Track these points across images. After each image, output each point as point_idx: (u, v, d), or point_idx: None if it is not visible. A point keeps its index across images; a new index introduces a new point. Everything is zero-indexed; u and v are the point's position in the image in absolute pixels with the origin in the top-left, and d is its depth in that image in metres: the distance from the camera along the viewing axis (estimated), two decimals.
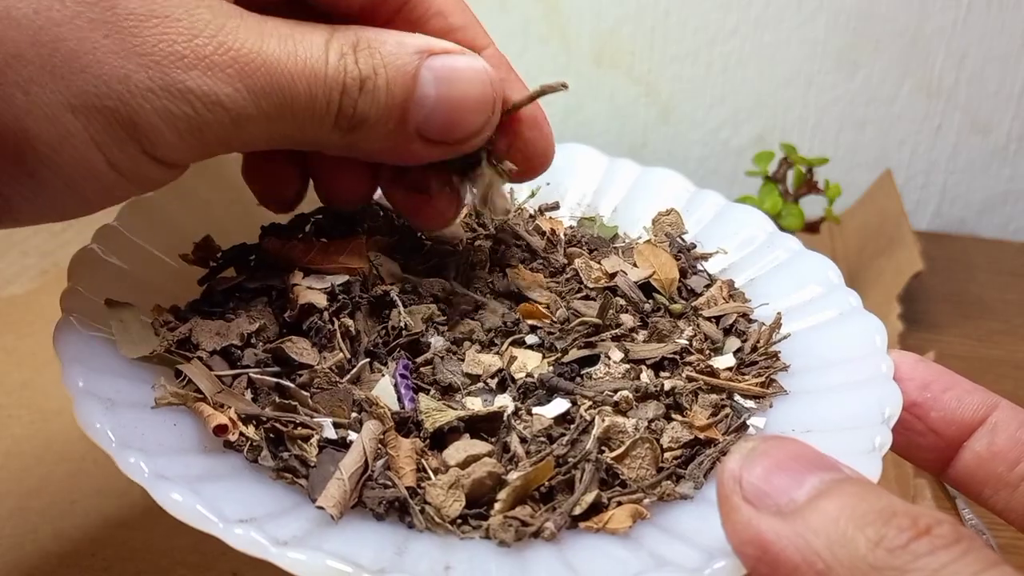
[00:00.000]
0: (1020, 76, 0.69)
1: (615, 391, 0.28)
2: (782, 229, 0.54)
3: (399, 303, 0.29)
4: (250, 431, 0.25)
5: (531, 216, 0.37)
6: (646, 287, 0.33)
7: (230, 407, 0.25)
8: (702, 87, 0.74)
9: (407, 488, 0.24)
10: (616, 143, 0.78)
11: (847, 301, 0.31)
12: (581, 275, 0.33)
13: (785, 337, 0.31)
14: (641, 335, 0.31)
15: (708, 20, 0.72)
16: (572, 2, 0.74)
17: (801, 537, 0.19)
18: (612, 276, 0.33)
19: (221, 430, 0.24)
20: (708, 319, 0.32)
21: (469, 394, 0.28)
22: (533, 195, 0.39)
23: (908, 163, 0.73)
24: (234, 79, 0.24)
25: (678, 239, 0.36)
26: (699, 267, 0.35)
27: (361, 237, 0.32)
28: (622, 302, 0.32)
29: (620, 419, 0.27)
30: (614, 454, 0.26)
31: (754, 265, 0.35)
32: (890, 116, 0.72)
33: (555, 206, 0.38)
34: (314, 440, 0.25)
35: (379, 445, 0.25)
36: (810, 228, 0.53)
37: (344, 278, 0.30)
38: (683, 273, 0.34)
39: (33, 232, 0.60)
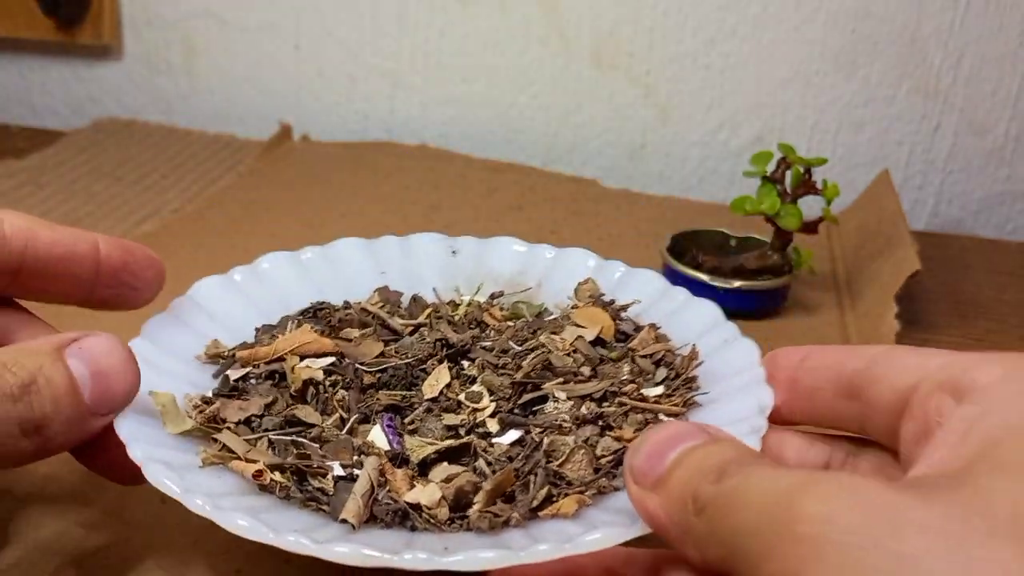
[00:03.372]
0: (1018, 77, 0.69)
1: (558, 421, 0.36)
2: (781, 229, 0.54)
3: (375, 384, 0.38)
4: (277, 476, 0.32)
5: (480, 307, 0.45)
6: (597, 340, 0.42)
7: (259, 460, 0.32)
8: (701, 88, 0.74)
9: (407, 502, 0.31)
10: (615, 144, 0.78)
11: (729, 331, 0.41)
12: (549, 347, 0.41)
13: (700, 363, 0.40)
14: (593, 381, 0.39)
15: (707, 21, 0.72)
16: (571, 3, 0.74)
17: (664, 503, 0.25)
18: (574, 341, 0.41)
19: (258, 475, 0.32)
20: (643, 357, 0.41)
21: (446, 438, 0.35)
22: (478, 291, 0.47)
23: (906, 163, 0.73)
24: None
25: (600, 299, 0.45)
26: (623, 316, 0.44)
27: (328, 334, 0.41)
28: (581, 357, 0.40)
29: (563, 437, 0.35)
30: (558, 462, 0.34)
31: (659, 311, 0.44)
32: (888, 117, 0.72)
33: (500, 293, 0.47)
34: (329, 476, 0.33)
35: (380, 475, 0.32)
36: (808, 228, 0.53)
37: (330, 358, 0.39)
38: (614, 322, 0.43)
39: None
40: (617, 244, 0.63)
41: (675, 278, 0.55)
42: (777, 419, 0.32)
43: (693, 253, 0.57)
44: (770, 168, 0.53)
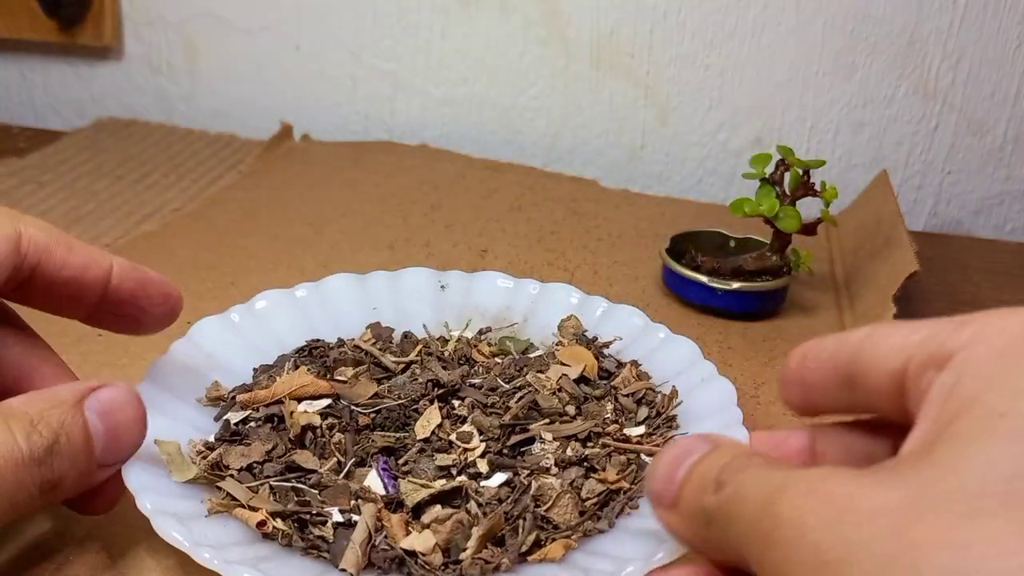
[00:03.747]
0: (1016, 78, 0.69)
1: (542, 463, 0.38)
2: (779, 230, 0.54)
3: (370, 425, 0.40)
4: (279, 523, 0.34)
5: (469, 343, 0.46)
6: (581, 378, 0.43)
7: (262, 508, 0.34)
8: (700, 89, 0.74)
9: (402, 549, 0.33)
10: (615, 145, 0.78)
11: (707, 370, 0.43)
12: (535, 386, 0.42)
13: (679, 403, 0.41)
14: (578, 420, 0.41)
15: (706, 23, 0.72)
16: (571, 4, 0.74)
17: (681, 521, 0.26)
18: (559, 380, 0.43)
19: (261, 525, 0.33)
20: (625, 396, 0.43)
21: (437, 479, 0.37)
22: (467, 326, 0.48)
23: (905, 164, 0.73)
24: None
25: (582, 336, 0.47)
26: (605, 352, 0.46)
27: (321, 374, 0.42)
28: (566, 396, 0.42)
29: (550, 479, 0.37)
30: (546, 507, 0.35)
31: (639, 348, 0.46)
32: (887, 117, 0.72)
33: (487, 329, 0.48)
34: (329, 524, 0.34)
35: (377, 520, 0.34)
36: (807, 230, 0.53)
37: (326, 401, 0.40)
38: (597, 359, 0.45)
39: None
40: (617, 244, 0.63)
41: (674, 279, 0.56)
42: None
43: (692, 254, 0.57)
44: (769, 170, 0.53)
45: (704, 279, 0.53)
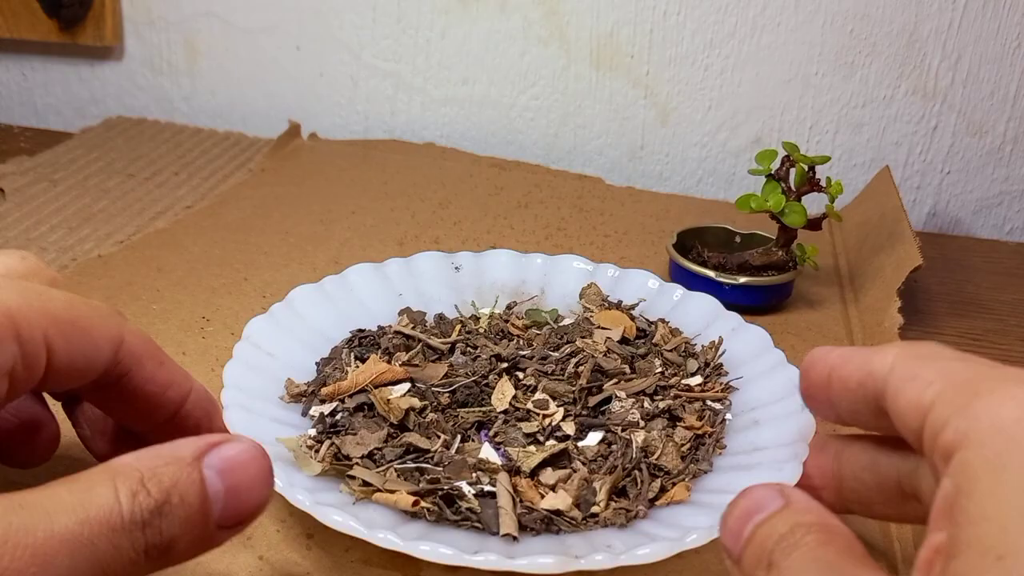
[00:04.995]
0: (1015, 78, 0.69)
1: (629, 418, 0.40)
2: (786, 226, 0.54)
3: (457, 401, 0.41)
4: (424, 502, 0.35)
5: (502, 318, 0.48)
6: (622, 339, 0.46)
7: (400, 490, 0.35)
8: (700, 89, 0.74)
9: (545, 509, 0.35)
10: (615, 145, 0.78)
11: (735, 319, 0.46)
12: (587, 351, 0.44)
13: (724, 352, 0.45)
14: (637, 378, 0.43)
15: (706, 23, 0.72)
16: (571, 4, 0.74)
17: None
18: (605, 342, 0.45)
19: (416, 504, 0.34)
20: (669, 351, 0.46)
21: (530, 444, 0.39)
22: (496, 303, 0.50)
23: (904, 164, 0.73)
24: (39, 573, 0.23)
25: (606, 301, 0.49)
26: (634, 314, 0.48)
27: (385, 359, 0.44)
28: (616, 357, 0.44)
29: (643, 432, 0.39)
30: (655, 456, 0.38)
31: (661, 307, 0.49)
32: (886, 117, 0.72)
33: (514, 304, 0.50)
34: (470, 495, 0.35)
35: (512, 487, 0.36)
36: (812, 225, 0.53)
37: (407, 385, 0.42)
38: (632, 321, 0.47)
39: (50, 229, 0.62)
40: (623, 241, 0.64)
41: (682, 275, 0.56)
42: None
43: (698, 249, 0.57)
44: (774, 166, 0.53)
45: (712, 274, 0.54)
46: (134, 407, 0.33)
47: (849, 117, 0.72)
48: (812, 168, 0.53)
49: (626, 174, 0.78)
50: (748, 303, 0.53)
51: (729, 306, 0.52)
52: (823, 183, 0.53)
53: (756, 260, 0.54)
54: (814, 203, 0.54)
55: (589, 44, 0.74)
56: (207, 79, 0.82)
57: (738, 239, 0.59)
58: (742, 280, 0.53)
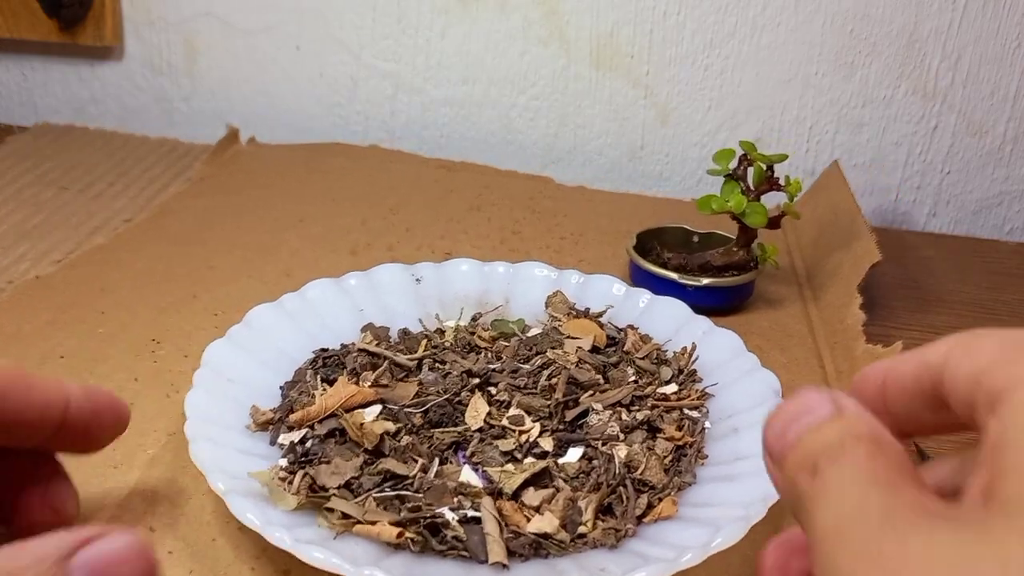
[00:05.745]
0: (1015, 78, 0.70)
1: (608, 432, 0.41)
2: (746, 226, 0.54)
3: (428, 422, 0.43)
4: (409, 531, 0.36)
5: (467, 331, 0.50)
6: (592, 348, 0.47)
7: (381, 520, 0.36)
8: (700, 89, 0.75)
9: (532, 533, 0.36)
10: (614, 145, 0.78)
11: (705, 323, 0.48)
12: (559, 362, 0.45)
13: (697, 359, 0.46)
14: (610, 388, 0.45)
15: (706, 23, 0.73)
16: (571, 5, 0.75)
17: (782, 483, 0.26)
18: (576, 352, 0.47)
19: (400, 535, 0.35)
20: (640, 359, 0.47)
21: (508, 463, 0.40)
22: (461, 315, 0.52)
23: (904, 164, 0.74)
24: None
25: (573, 309, 0.51)
26: (603, 322, 0.50)
27: (353, 380, 0.45)
28: (589, 367, 0.46)
29: (622, 446, 0.41)
30: (639, 471, 0.39)
31: (628, 313, 0.50)
32: (886, 117, 0.73)
33: (479, 315, 0.52)
34: (454, 523, 0.36)
35: (496, 510, 0.37)
36: (771, 224, 0.55)
37: (378, 407, 0.42)
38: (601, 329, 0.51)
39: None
40: (580, 243, 0.70)
41: (644, 277, 0.57)
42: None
43: (657, 250, 0.60)
44: (732, 166, 0.53)
45: (674, 276, 0.57)
46: (16, 433, 0.32)
47: (849, 117, 0.73)
48: (771, 167, 0.53)
49: (626, 174, 0.78)
50: (711, 304, 0.57)
51: (692, 308, 0.52)
52: (782, 181, 0.53)
53: (717, 260, 0.57)
54: (770, 200, 0.54)
55: (589, 44, 0.75)
56: (207, 79, 0.83)
57: (696, 239, 0.63)
58: (705, 281, 0.56)
